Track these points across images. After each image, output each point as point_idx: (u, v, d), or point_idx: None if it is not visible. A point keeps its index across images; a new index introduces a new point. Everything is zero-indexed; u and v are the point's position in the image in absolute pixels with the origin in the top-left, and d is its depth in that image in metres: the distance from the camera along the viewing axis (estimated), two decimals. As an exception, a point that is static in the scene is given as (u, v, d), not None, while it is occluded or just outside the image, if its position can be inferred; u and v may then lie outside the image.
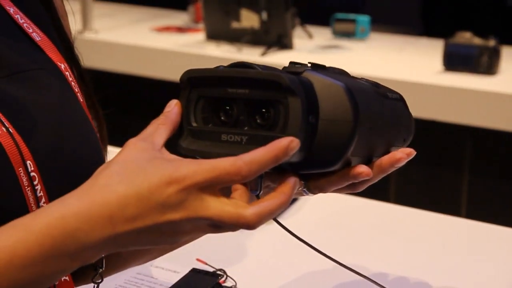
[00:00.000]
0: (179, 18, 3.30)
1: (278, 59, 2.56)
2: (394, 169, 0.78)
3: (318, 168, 0.74)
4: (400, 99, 0.83)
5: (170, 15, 3.39)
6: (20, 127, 0.76)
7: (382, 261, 1.20)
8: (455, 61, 2.41)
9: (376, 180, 0.78)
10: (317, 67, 0.76)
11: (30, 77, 0.83)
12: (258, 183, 0.69)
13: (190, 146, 0.71)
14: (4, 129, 0.75)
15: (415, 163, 2.47)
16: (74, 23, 0.98)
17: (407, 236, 1.30)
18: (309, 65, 0.75)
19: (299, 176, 0.69)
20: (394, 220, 1.35)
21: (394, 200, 2.37)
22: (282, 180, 0.67)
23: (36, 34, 0.87)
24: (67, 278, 0.81)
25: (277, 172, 0.70)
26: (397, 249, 1.25)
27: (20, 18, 0.87)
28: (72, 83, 0.86)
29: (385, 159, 0.78)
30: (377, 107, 0.76)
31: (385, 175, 0.78)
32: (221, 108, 0.71)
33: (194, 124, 0.71)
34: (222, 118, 0.71)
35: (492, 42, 2.39)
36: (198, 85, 0.71)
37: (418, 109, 2.33)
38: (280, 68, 0.77)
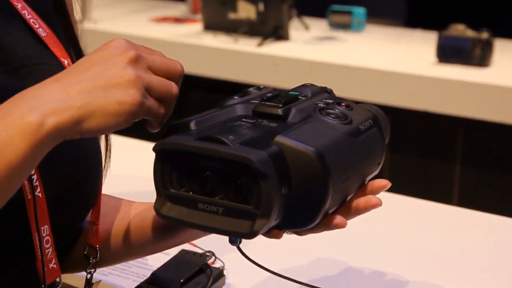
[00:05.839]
0: (177, 8, 3.32)
1: (274, 50, 2.59)
2: (368, 211, 0.80)
3: (294, 228, 0.75)
4: (373, 123, 0.82)
5: (168, 6, 3.41)
6: None
7: (373, 249, 1.23)
8: (448, 53, 2.44)
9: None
10: (291, 100, 0.76)
11: (36, 71, 0.85)
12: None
13: (168, 213, 0.72)
14: None
15: (408, 153, 2.50)
16: (74, 15, 1.00)
17: (400, 224, 1.33)
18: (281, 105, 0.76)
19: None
20: (386, 209, 1.38)
21: (387, 189, 2.40)
22: None
23: (42, 30, 0.89)
24: (54, 266, 0.83)
25: None
26: (388, 237, 1.28)
27: (27, 14, 0.88)
28: None
29: (362, 203, 0.79)
30: (350, 155, 0.76)
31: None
32: (195, 176, 0.71)
33: (172, 190, 0.72)
34: (197, 184, 0.71)
35: (485, 35, 2.42)
36: (171, 156, 0.71)
37: (412, 100, 2.36)
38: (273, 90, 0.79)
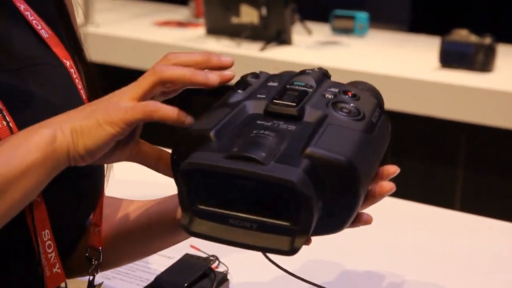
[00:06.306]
0: (180, 12, 3.32)
1: (277, 54, 2.59)
2: (384, 197, 0.82)
3: (324, 234, 0.74)
4: (380, 111, 0.81)
5: (171, 10, 3.41)
6: (22, 122, 0.78)
7: (376, 253, 1.23)
8: (451, 58, 2.44)
9: None
10: (302, 96, 0.77)
11: (38, 72, 0.86)
12: None
13: (198, 229, 0.69)
14: (4, 123, 0.78)
15: (411, 158, 2.49)
16: (76, 17, 1.01)
17: (403, 228, 1.33)
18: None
19: None
20: (389, 213, 1.38)
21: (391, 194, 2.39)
22: None
23: (44, 31, 0.90)
24: (58, 270, 0.83)
25: None
26: (391, 241, 1.28)
27: (30, 15, 0.89)
28: (76, 80, 0.89)
29: (377, 191, 0.80)
30: (370, 155, 0.76)
31: None
32: (225, 193, 0.68)
33: (199, 206, 0.69)
34: (227, 201, 0.69)
35: (488, 40, 2.42)
36: (199, 173, 0.68)
37: (414, 105, 2.37)
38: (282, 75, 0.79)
